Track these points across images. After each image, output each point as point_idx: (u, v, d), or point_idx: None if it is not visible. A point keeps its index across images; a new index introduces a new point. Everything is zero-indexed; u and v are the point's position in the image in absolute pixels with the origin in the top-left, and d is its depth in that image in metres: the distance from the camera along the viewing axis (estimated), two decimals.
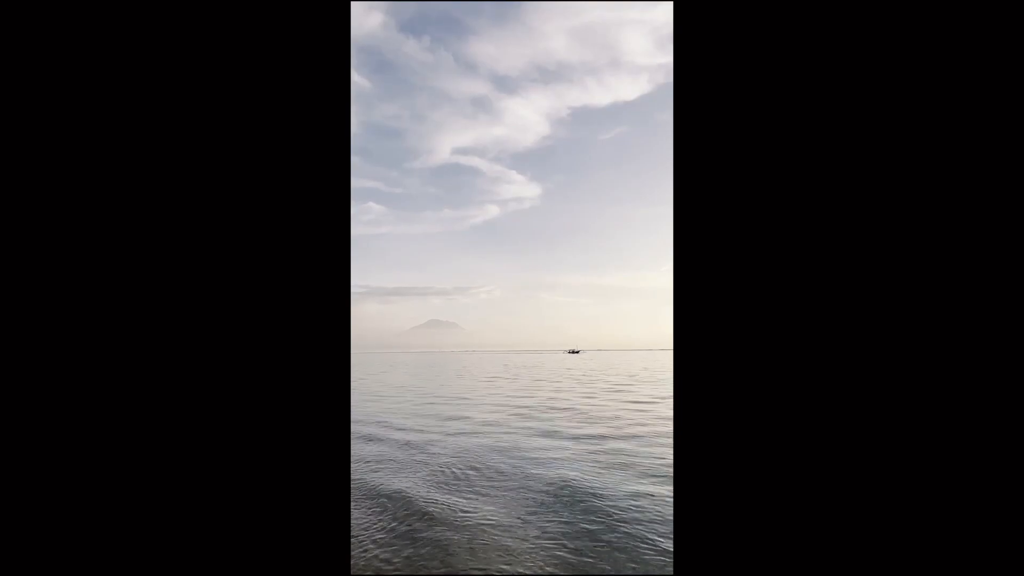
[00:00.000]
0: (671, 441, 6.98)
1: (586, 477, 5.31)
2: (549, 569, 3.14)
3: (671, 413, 9.83)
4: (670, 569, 3.10)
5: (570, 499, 4.56)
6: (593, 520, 4.01)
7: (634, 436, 7.70)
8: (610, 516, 4.10)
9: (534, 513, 4.20)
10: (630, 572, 3.10)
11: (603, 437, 7.65)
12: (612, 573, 3.10)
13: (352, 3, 1.61)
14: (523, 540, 3.61)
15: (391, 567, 3.18)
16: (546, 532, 3.76)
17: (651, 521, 3.97)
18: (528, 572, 3.12)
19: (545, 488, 4.91)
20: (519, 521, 4.01)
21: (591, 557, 3.32)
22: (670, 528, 3.77)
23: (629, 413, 10.39)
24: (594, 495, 4.66)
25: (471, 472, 5.62)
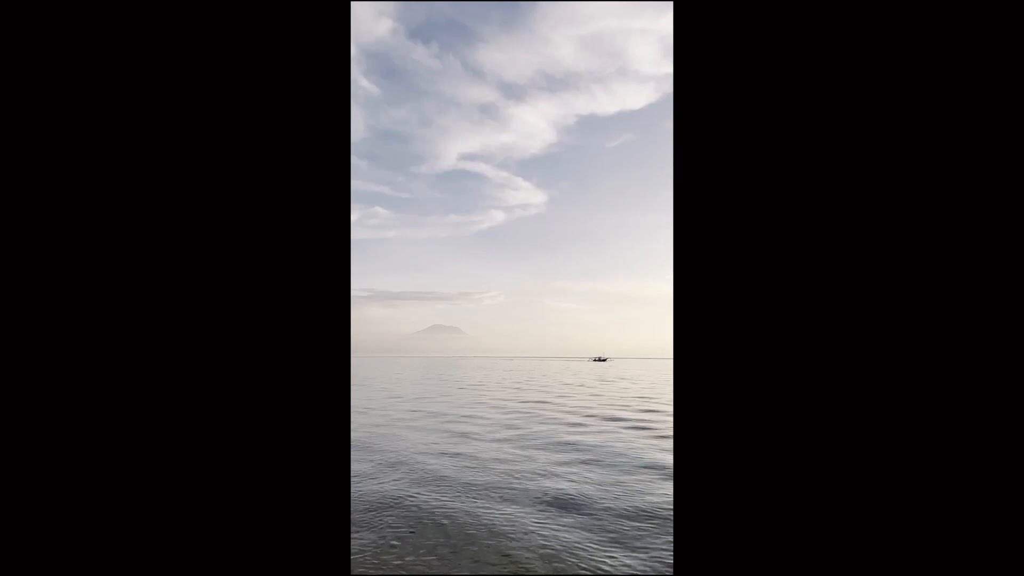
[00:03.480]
0: None
1: None
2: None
3: None
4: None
5: None
6: None
7: None
8: None
9: None
10: (636, 573, 3.10)
11: None
12: (611, 573, 3.10)
13: (353, 4, 1.61)
14: None
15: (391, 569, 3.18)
16: None
17: None
18: (528, 572, 3.12)
19: None
20: None
21: None
22: None
23: None
24: None
25: None
